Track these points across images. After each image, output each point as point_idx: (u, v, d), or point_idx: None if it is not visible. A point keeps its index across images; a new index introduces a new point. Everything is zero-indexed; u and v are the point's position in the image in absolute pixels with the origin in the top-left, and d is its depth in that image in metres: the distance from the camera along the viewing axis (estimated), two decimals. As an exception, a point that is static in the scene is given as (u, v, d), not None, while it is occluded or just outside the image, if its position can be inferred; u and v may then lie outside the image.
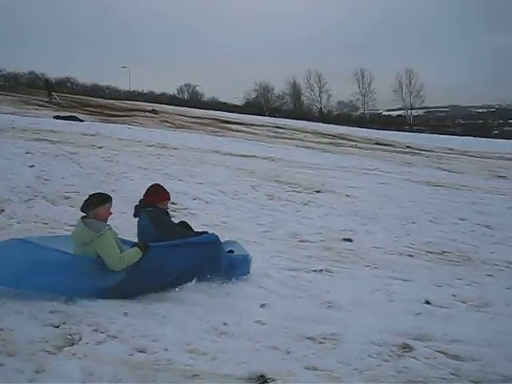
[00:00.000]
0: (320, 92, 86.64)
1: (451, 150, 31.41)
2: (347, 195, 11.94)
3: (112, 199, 5.53)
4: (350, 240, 8.62)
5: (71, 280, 5.01)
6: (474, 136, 57.84)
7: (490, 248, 8.83)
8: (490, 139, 56.07)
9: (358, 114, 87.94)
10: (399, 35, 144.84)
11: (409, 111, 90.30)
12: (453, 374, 4.29)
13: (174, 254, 5.52)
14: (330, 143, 27.33)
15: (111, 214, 5.47)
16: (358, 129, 46.60)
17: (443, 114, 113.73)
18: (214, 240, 5.92)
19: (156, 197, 6.04)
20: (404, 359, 4.43)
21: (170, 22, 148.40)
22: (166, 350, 4.25)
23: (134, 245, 5.43)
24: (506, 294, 6.46)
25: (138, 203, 6.11)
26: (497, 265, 7.94)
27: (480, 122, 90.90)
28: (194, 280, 5.56)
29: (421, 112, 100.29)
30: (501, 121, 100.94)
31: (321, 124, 47.81)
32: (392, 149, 27.42)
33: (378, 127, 61.86)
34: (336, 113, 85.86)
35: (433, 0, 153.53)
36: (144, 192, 6.15)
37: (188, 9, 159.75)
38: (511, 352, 4.68)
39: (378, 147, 27.64)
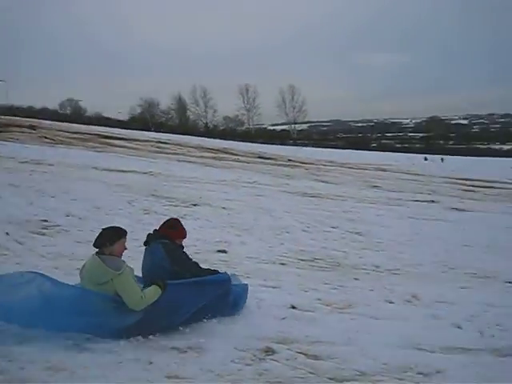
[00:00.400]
0: (206, 107, 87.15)
1: (331, 162, 32.58)
2: (224, 208, 12.08)
3: (127, 233, 5.21)
4: (224, 251, 8.72)
5: (88, 319, 4.70)
6: (353, 149, 60.25)
7: (358, 253, 9.23)
8: (369, 151, 58.47)
9: (243, 128, 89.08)
10: (281, 51, 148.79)
11: (292, 126, 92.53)
12: (311, 372, 4.47)
13: (190, 292, 5.30)
14: (213, 158, 27.54)
15: (126, 249, 5.13)
16: (242, 143, 47.19)
17: (325, 128, 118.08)
18: (227, 279, 5.78)
19: (175, 232, 5.80)
20: (265, 362, 4.55)
21: (51, 33, 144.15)
22: (23, 368, 4.12)
23: (152, 282, 5.13)
24: (368, 295, 6.79)
25: (151, 232, 5.80)
26: (364, 269, 8.32)
27: (360, 135, 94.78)
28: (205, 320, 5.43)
29: (304, 126, 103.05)
30: (378, 134, 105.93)
31: (206, 139, 48.00)
32: (274, 162, 28.02)
33: (263, 141, 62.95)
34: (222, 128, 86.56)
35: (314, 18, 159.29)
36: (161, 223, 5.87)
37: (68, 21, 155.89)
38: (367, 348, 4.97)
39: (261, 161, 28.17)
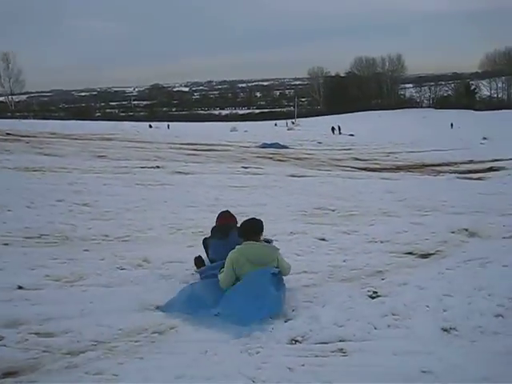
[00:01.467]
0: None
1: (54, 134, 31.50)
2: None
3: None
4: None
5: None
6: (78, 119, 59.07)
7: (87, 224, 9.10)
8: (93, 121, 57.69)
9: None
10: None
11: (10, 97, 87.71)
12: (44, 351, 4.40)
13: None
14: None
15: None
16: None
17: (46, 99, 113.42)
18: None
19: (235, 219, 6.88)
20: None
21: None
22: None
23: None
24: (99, 264, 6.79)
25: (221, 225, 6.73)
26: (93, 239, 8.25)
27: (83, 105, 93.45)
28: None
29: (23, 97, 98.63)
30: (102, 103, 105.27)
31: None
32: (-10, 137, 26.08)
33: (-24, 116, 58.40)
34: None
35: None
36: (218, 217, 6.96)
37: None
38: (102, 317, 5.08)
39: (-25, 137, 26.01)
